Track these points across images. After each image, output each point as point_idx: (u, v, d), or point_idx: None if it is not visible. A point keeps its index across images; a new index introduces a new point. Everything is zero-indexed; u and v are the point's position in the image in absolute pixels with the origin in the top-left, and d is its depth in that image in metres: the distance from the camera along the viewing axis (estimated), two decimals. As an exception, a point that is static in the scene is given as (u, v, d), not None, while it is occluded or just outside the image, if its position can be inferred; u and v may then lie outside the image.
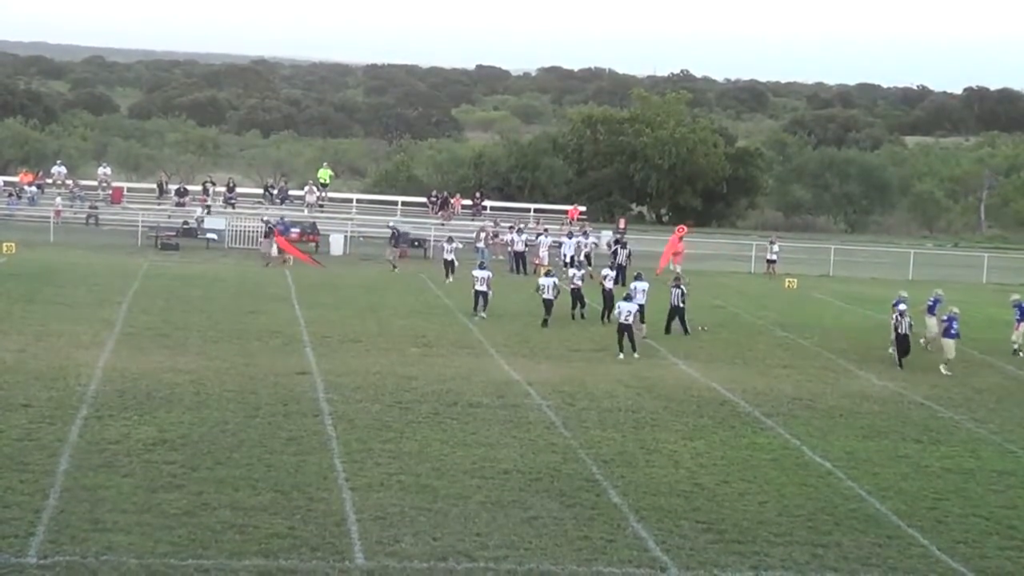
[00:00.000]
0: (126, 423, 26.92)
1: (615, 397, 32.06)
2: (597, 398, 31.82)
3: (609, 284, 43.01)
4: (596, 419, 29.66)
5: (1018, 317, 41.61)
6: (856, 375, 36.95)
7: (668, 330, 41.41)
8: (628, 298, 37.94)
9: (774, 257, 60.81)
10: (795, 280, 55.74)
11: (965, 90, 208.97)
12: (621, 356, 36.76)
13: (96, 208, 63.46)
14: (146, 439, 25.76)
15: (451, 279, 50.74)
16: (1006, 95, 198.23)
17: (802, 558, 21.21)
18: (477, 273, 43.18)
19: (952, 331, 37.93)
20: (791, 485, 25.23)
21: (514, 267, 55.34)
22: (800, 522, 22.98)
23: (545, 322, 41.54)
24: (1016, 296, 42.87)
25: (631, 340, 36.99)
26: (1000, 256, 70.04)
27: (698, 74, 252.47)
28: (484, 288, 42.61)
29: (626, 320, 36.88)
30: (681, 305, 41.40)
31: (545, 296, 41.85)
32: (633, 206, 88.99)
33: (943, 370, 37.38)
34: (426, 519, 21.84)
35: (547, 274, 44.45)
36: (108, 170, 69.44)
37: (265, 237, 55.81)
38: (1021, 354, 41.10)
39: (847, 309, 50.41)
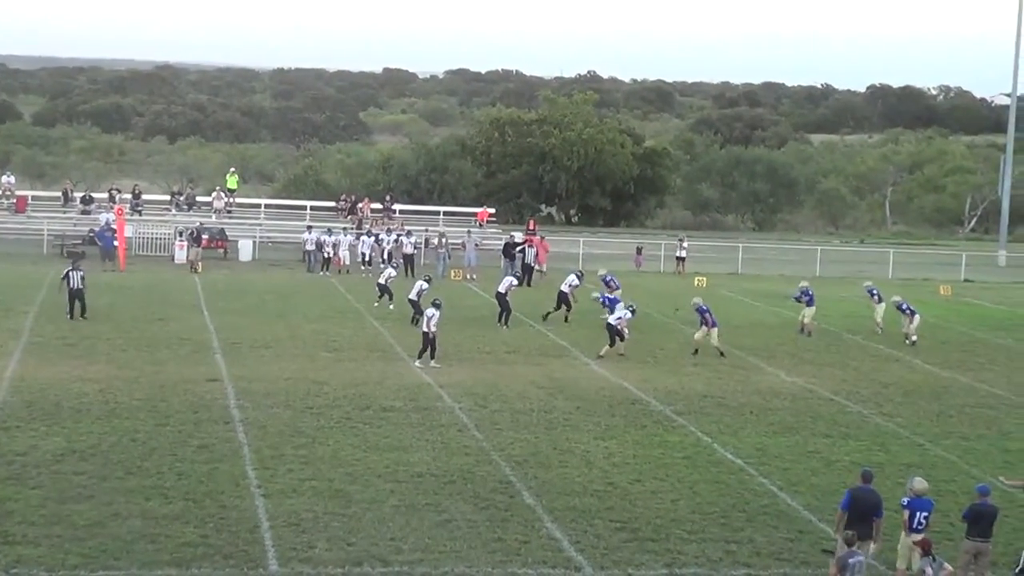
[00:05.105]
0: (34, 434, 26.57)
1: (527, 398, 32.14)
2: (509, 400, 31.88)
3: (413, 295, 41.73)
4: (509, 421, 29.73)
5: (905, 310, 43.41)
6: (765, 372, 37.32)
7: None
8: (436, 305, 36.75)
9: (683, 254, 61.33)
10: (704, 278, 56.18)
11: (868, 88, 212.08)
12: (418, 363, 35.63)
13: None
14: (55, 450, 25.46)
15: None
16: (908, 92, 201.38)
17: (715, 555, 21.41)
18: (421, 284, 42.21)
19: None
20: (703, 482, 25.45)
21: (405, 270, 54.05)
22: (713, 519, 23.19)
23: (414, 320, 41.00)
24: (869, 282, 46.56)
25: (432, 347, 35.95)
26: (905, 251, 71.05)
27: (605, 75, 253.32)
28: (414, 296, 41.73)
29: (428, 328, 35.80)
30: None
31: (410, 297, 41.31)
32: (543, 207, 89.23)
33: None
34: (340, 524, 21.78)
35: (427, 280, 43.29)
36: (12, 179, 68.26)
37: (194, 243, 55.61)
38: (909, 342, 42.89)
39: (755, 307, 50.89)
